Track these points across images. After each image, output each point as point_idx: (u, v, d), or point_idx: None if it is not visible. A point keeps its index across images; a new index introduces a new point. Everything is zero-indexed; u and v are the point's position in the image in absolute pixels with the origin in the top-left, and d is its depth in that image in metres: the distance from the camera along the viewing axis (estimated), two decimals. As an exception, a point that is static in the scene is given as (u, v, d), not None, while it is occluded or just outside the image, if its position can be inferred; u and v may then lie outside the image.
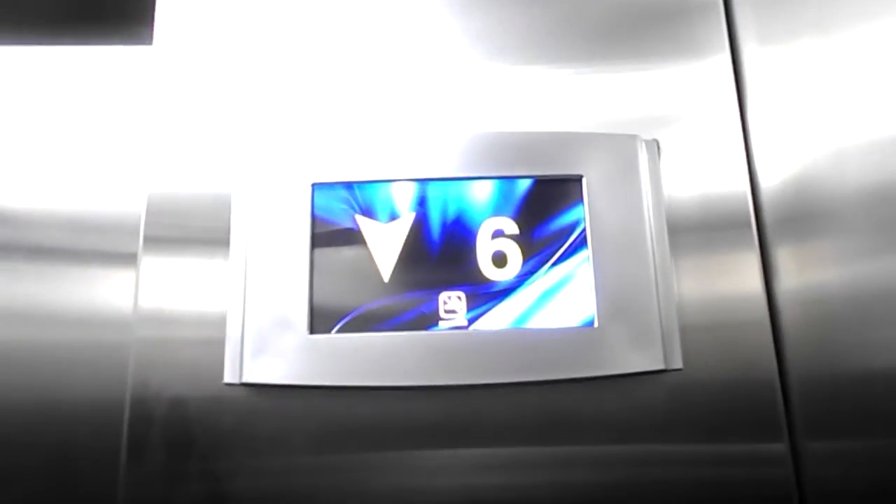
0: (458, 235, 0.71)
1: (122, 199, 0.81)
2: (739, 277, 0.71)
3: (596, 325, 0.68)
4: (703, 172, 0.74)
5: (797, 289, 0.71)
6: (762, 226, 0.73)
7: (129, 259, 0.76)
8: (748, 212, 0.73)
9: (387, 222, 0.71)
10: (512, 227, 0.71)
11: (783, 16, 0.76)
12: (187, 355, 0.69)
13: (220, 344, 0.68)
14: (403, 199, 0.72)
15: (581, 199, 0.71)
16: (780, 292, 0.71)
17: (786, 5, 0.76)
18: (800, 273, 0.71)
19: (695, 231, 0.72)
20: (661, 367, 0.68)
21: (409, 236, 0.71)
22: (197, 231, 0.72)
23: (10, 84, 0.85)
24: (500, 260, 0.70)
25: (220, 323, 0.69)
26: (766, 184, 0.74)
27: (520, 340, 0.68)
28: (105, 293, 0.77)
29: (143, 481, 0.66)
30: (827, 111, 0.72)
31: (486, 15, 0.78)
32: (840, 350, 0.68)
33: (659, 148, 0.74)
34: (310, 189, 0.71)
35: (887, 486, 0.64)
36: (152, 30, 0.78)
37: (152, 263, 0.71)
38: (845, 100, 0.70)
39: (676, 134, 0.75)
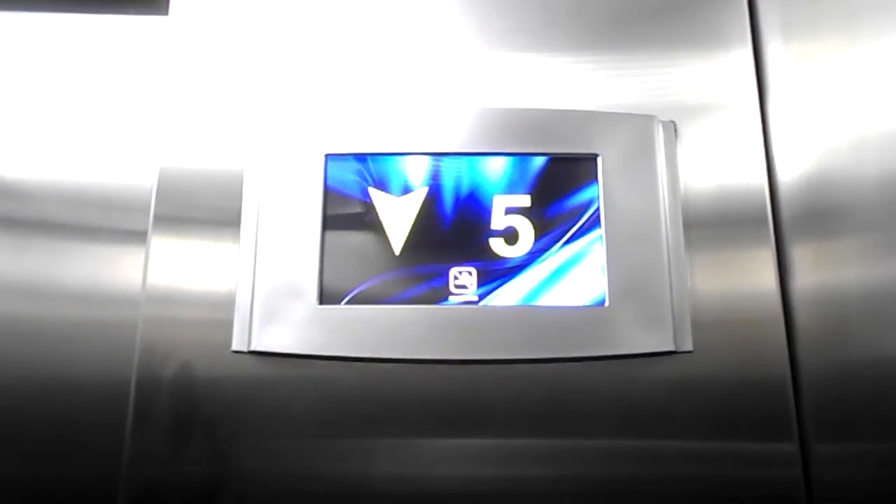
0: (471, 211, 0.70)
1: (133, 175, 0.80)
2: (754, 273, 0.70)
3: (606, 304, 0.68)
4: (721, 166, 0.73)
5: (812, 286, 0.70)
6: (779, 221, 0.72)
7: (138, 237, 0.75)
8: (765, 207, 0.72)
9: (399, 196, 0.71)
10: (525, 204, 0.71)
11: (807, 8, 0.76)
12: (195, 334, 0.68)
13: (227, 324, 0.68)
14: (417, 173, 0.71)
15: (596, 179, 0.71)
16: (795, 289, 0.70)
17: (810, -3, 0.76)
18: (815, 270, 0.70)
19: (711, 225, 0.71)
20: (670, 348, 0.67)
21: (421, 210, 0.70)
22: (207, 210, 0.72)
23: (22, 52, 0.84)
24: (512, 236, 0.70)
25: (229, 303, 0.69)
26: (784, 179, 0.73)
27: (530, 317, 0.68)
28: (113, 270, 0.77)
29: (148, 449, 0.66)
30: (848, 108, 0.71)
31: (506, -6, 0.78)
32: (854, 351, 0.67)
33: (676, 129, 0.73)
34: (323, 160, 0.71)
35: (898, 490, 0.64)
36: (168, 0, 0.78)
37: (162, 241, 0.71)
38: (867, 97, 0.70)
39: (695, 125, 0.74)
